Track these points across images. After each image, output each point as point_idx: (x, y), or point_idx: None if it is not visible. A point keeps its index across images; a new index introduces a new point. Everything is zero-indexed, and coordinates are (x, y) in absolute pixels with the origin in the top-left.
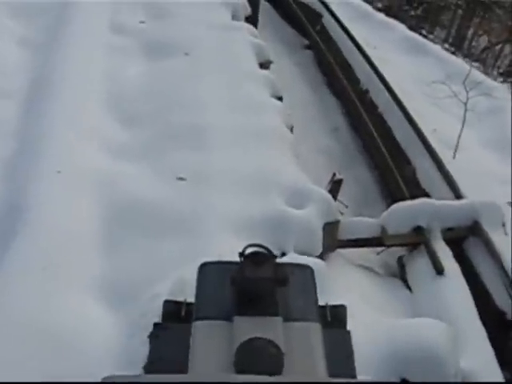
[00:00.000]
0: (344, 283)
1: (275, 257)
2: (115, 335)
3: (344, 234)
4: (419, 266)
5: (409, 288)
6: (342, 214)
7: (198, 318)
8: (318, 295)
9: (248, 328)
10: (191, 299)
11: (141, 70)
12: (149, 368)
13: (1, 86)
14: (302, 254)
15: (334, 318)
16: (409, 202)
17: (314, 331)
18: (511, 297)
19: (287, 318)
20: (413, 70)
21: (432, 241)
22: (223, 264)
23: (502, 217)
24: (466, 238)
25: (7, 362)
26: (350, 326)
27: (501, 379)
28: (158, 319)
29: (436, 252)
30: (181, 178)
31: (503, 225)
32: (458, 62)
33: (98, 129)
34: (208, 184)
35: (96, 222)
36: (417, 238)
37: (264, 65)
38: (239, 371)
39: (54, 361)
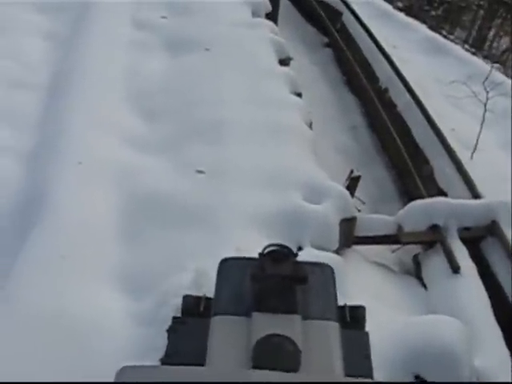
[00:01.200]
0: (359, 279)
1: (295, 255)
2: (132, 325)
3: (360, 231)
4: (435, 264)
5: (424, 286)
6: (359, 210)
7: (216, 313)
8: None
9: (266, 324)
10: (209, 291)
11: (162, 65)
12: (166, 361)
13: (25, 79)
14: (319, 248)
15: (353, 319)
16: (426, 201)
17: (332, 330)
18: None
19: (306, 316)
20: (432, 70)
21: (448, 239)
22: (243, 260)
23: None
24: (483, 237)
25: (26, 351)
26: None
27: None
28: (175, 310)
29: (452, 250)
30: (200, 171)
31: None
32: (479, 63)
33: (119, 122)
34: (227, 178)
35: (115, 213)
36: (433, 237)
37: (284, 62)
38: (256, 367)
39: (72, 349)
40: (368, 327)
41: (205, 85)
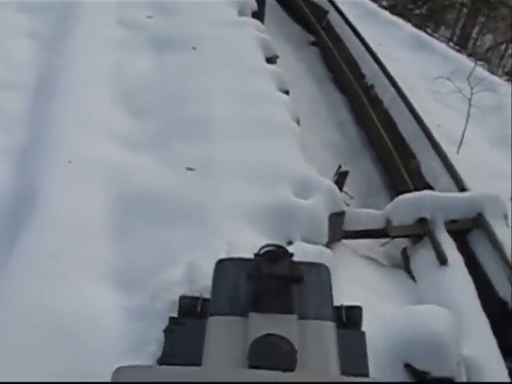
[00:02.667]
0: (349, 272)
1: (291, 255)
2: (125, 320)
3: (349, 225)
4: (423, 257)
5: (413, 278)
6: (347, 205)
7: (213, 314)
8: None
9: (262, 324)
10: (200, 285)
11: (149, 63)
12: (163, 362)
13: (11, 79)
14: (309, 242)
15: (349, 319)
16: (413, 194)
17: (328, 330)
18: None
19: (302, 316)
20: (417, 66)
21: (436, 232)
22: (239, 261)
23: (504, 209)
24: (469, 230)
25: (19, 348)
26: None
27: (503, 367)
28: (167, 303)
29: (440, 243)
30: (190, 169)
31: (505, 217)
32: (463, 59)
33: (107, 121)
34: (216, 174)
35: (106, 211)
36: (421, 230)
37: (270, 59)
38: (252, 366)
39: (65, 346)
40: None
41: (192, 82)
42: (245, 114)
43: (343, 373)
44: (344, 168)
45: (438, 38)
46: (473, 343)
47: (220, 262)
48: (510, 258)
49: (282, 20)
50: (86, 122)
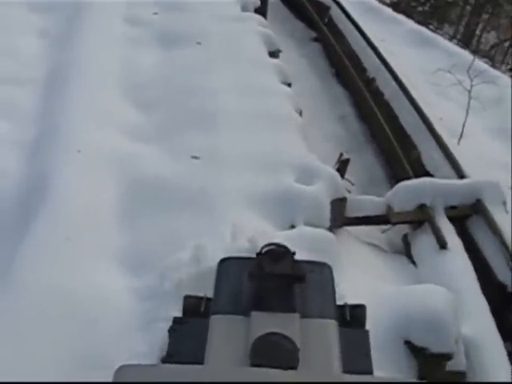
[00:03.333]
0: (351, 256)
1: (293, 254)
2: (135, 300)
3: (351, 212)
4: (423, 242)
5: (413, 263)
6: (349, 191)
7: (215, 313)
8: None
9: (265, 323)
10: (206, 266)
11: (155, 58)
12: (166, 361)
13: (22, 74)
14: (311, 227)
15: (353, 318)
16: (413, 181)
17: (330, 328)
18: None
19: (304, 315)
20: (419, 61)
21: (436, 218)
22: (242, 259)
23: (503, 196)
24: (469, 216)
25: (35, 330)
26: (356, 294)
27: (501, 347)
28: (175, 283)
29: (439, 228)
30: (195, 157)
31: (504, 203)
32: (465, 54)
33: (115, 113)
34: (221, 162)
35: (115, 198)
36: (421, 216)
37: (273, 54)
38: (254, 365)
39: (78, 324)
40: (361, 296)
41: (197, 76)
42: (248, 106)
43: (346, 371)
44: (345, 156)
45: (441, 35)
46: (472, 323)
47: (222, 261)
48: (509, 243)
49: (285, 17)
50: (95, 114)
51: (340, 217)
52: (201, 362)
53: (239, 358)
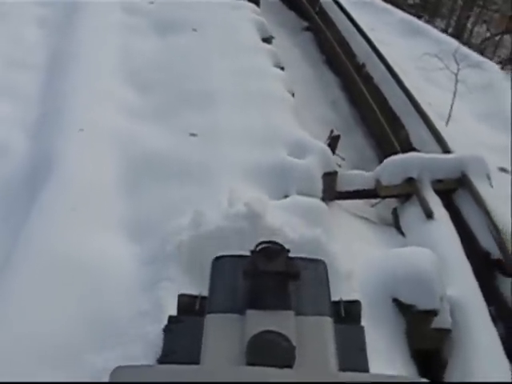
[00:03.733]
0: (342, 227)
1: (288, 251)
2: (139, 264)
3: (341, 186)
4: (411, 213)
5: (402, 234)
6: (339, 166)
7: (210, 311)
8: (321, 234)
9: (260, 321)
10: (206, 230)
11: (152, 44)
12: (163, 361)
13: (25, 59)
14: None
15: (348, 314)
16: (400, 156)
17: (325, 325)
18: (495, 239)
19: (299, 312)
20: (408, 49)
21: (423, 190)
22: (236, 257)
23: (487, 170)
24: (454, 190)
25: (46, 291)
26: (347, 256)
27: (485, 308)
28: (176, 246)
29: (426, 199)
30: (193, 134)
31: (488, 177)
32: (453, 42)
33: (115, 94)
34: (218, 139)
35: (117, 172)
36: (409, 189)
37: (266, 40)
38: (250, 363)
39: (86, 287)
40: (352, 259)
41: (193, 60)
42: (243, 87)
43: (342, 369)
44: (336, 133)
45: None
46: (457, 286)
47: (217, 259)
48: (492, 214)
49: (277, 7)
50: (95, 96)
51: (331, 190)
52: (196, 362)
53: (235, 357)
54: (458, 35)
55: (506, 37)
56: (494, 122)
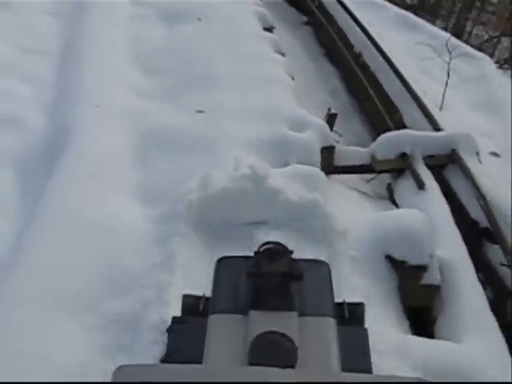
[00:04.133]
0: (339, 195)
1: (291, 252)
2: (151, 223)
3: (338, 161)
4: (404, 186)
5: (396, 206)
6: (337, 142)
7: (214, 312)
8: (319, 197)
9: (263, 322)
10: (213, 191)
11: (159, 33)
12: (166, 361)
13: (38, 47)
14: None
15: (352, 316)
16: (394, 132)
17: (328, 326)
18: (483, 208)
19: (302, 313)
20: (404, 42)
21: (415, 165)
22: (239, 258)
23: (477, 147)
24: (445, 165)
25: (65, 247)
26: (342, 216)
27: (472, 268)
28: (187, 205)
29: (418, 172)
30: (200, 111)
31: (477, 154)
32: (447, 35)
33: (126, 78)
34: (223, 115)
35: (130, 144)
36: (402, 164)
37: (268, 29)
38: (253, 364)
39: (104, 244)
40: (347, 220)
41: (198, 47)
42: (245, 70)
43: (345, 369)
44: (333, 111)
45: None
46: (446, 247)
47: (221, 260)
48: (480, 186)
49: (278, 4)
50: (108, 78)
51: (329, 164)
52: (200, 362)
53: (238, 357)
54: (457, 37)
55: (504, 38)
56: (486, 110)
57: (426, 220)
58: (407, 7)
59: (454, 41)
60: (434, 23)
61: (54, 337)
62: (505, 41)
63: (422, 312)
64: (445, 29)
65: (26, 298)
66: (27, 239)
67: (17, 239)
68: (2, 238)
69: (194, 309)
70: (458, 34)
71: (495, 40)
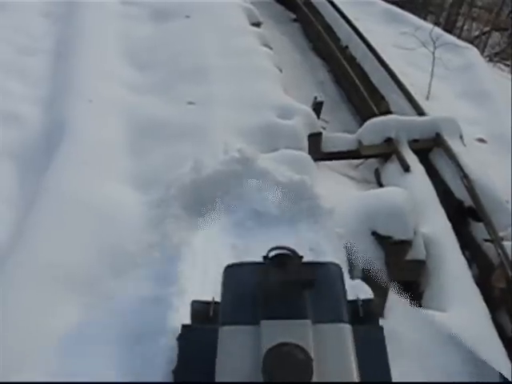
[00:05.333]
0: (327, 179)
1: (301, 257)
2: (146, 207)
3: (325, 148)
4: (391, 170)
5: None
6: (324, 128)
7: (224, 323)
8: (307, 178)
9: (275, 332)
10: (206, 174)
11: (149, 30)
12: (178, 371)
13: (32, 45)
14: None
15: (366, 313)
16: (380, 118)
17: (344, 333)
18: (467, 187)
19: (316, 320)
20: (391, 36)
21: (401, 149)
22: (248, 265)
23: (460, 130)
24: (430, 149)
25: (64, 229)
26: (329, 195)
27: (456, 243)
28: (180, 188)
29: (404, 156)
30: (191, 103)
31: (461, 137)
32: (433, 28)
33: (117, 73)
34: (213, 106)
35: (123, 135)
36: (388, 148)
37: (255, 24)
38: (267, 379)
39: (101, 226)
40: (332, 197)
41: (187, 42)
42: (234, 62)
43: (362, 373)
44: (319, 99)
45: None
46: (431, 225)
47: (228, 268)
48: (464, 167)
49: (267, 3)
50: (100, 74)
51: (317, 150)
52: (212, 370)
53: (251, 372)
54: (448, 32)
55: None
56: (472, 99)
57: (409, 196)
58: (397, 3)
59: (438, 31)
60: (425, 19)
61: (55, 313)
62: (495, 36)
63: (411, 286)
64: (436, 24)
65: (27, 275)
66: (28, 222)
67: (17, 224)
68: (3, 223)
69: (204, 315)
70: (449, 29)
71: (486, 36)
